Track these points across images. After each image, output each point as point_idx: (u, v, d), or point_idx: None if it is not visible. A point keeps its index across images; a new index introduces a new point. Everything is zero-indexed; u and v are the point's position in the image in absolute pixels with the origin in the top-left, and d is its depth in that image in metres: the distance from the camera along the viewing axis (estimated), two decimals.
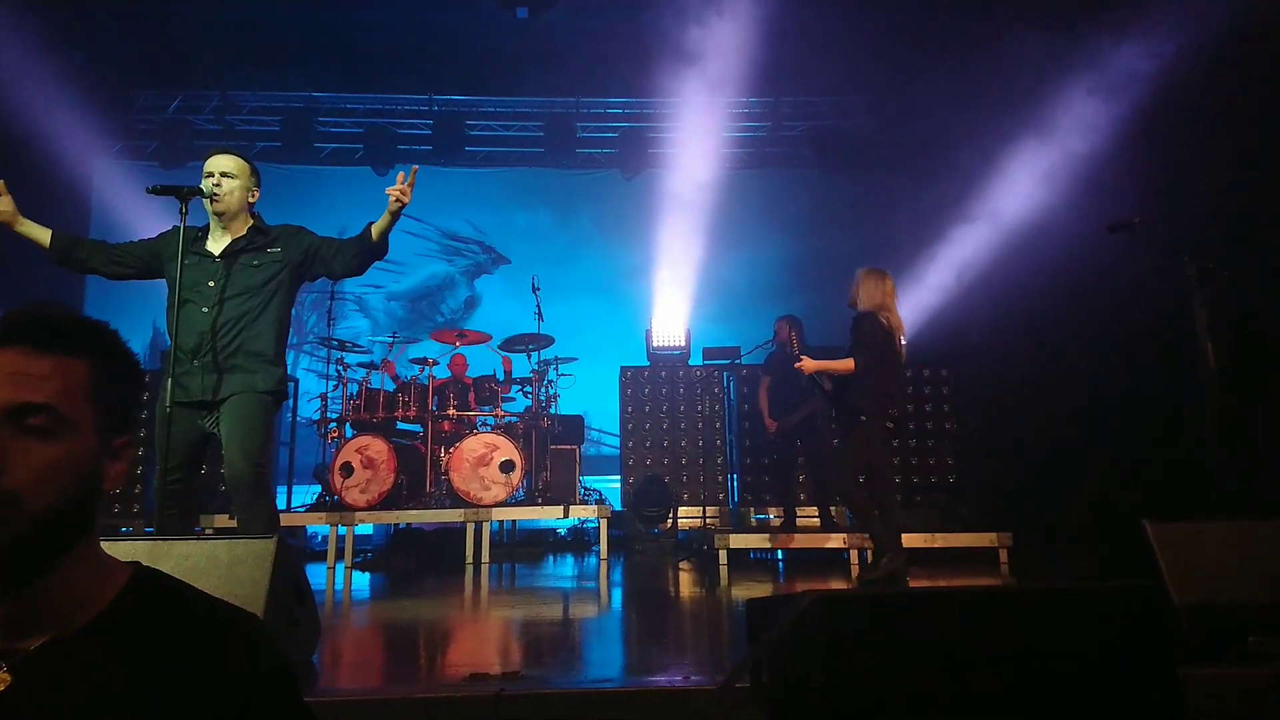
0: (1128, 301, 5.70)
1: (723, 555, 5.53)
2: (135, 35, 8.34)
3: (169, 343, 3.20)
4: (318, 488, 7.13)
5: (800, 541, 5.94)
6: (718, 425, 7.53)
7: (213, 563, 2.29)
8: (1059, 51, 6.46)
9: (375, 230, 3.29)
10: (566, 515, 6.35)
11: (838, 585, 4.93)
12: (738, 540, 5.74)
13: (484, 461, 6.26)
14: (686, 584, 5.10)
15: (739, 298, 9.65)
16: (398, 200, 3.19)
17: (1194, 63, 5.46)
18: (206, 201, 3.22)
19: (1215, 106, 5.45)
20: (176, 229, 3.22)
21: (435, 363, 6.81)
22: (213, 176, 3.23)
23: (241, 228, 3.31)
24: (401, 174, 3.21)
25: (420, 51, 9.09)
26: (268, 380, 3.19)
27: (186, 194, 3.12)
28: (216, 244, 3.29)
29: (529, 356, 7.23)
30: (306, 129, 9.74)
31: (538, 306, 7.04)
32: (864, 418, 4.51)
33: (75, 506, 0.94)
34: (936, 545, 5.63)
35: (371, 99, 9.88)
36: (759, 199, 9.73)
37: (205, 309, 3.18)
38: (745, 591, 4.64)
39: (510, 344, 7.35)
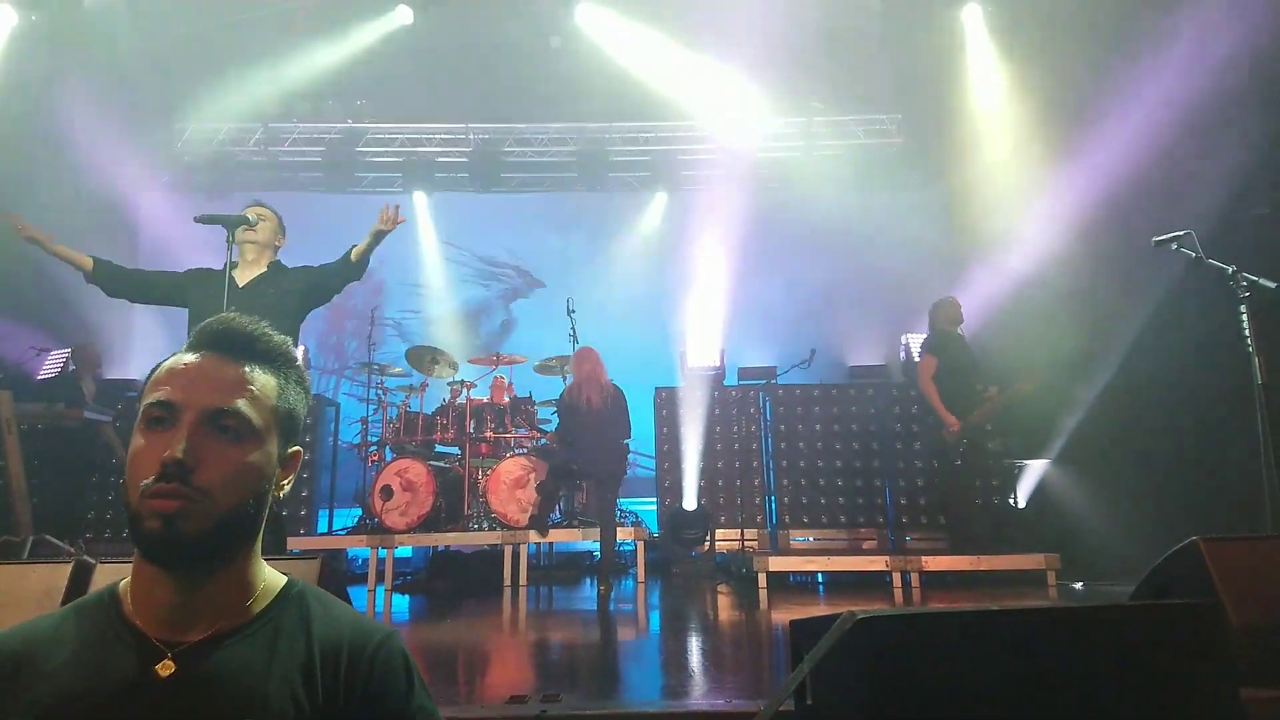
0: (1178, 315, 5.57)
1: (762, 578, 5.46)
2: (180, 71, 8.64)
3: None
4: (358, 511, 7.21)
5: (841, 564, 5.85)
6: (754, 446, 7.46)
7: None
8: (1102, 60, 6.36)
9: (355, 253, 3.68)
10: None
11: (880, 605, 4.84)
12: (777, 563, 5.67)
13: (521, 484, 6.29)
14: (726, 607, 5.04)
15: (774, 318, 9.60)
16: (384, 226, 3.62)
17: (1244, 67, 5.34)
18: (241, 231, 3.54)
19: (1267, 109, 5.33)
20: (205, 270, 3.61)
21: (473, 385, 6.87)
22: (252, 210, 3.62)
23: (264, 265, 3.67)
24: (390, 205, 3.63)
25: (456, 81, 9.27)
26: None
27: (234, 222, 3.26)
28: (241, 277, 3.62)
29: (564, 378, 7.27)
30: (348, 159, 9.96)
31: (572, 329, 7.07)
32: None
33: (253, 508, 1.01)
34: (982, 568, 5.51)
35: (410, 129, 10.08)
36: (793, 219, 9.69)
37: None
38: (785, 614, 4.58)
39: (546, 366, 7.40)
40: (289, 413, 1.07)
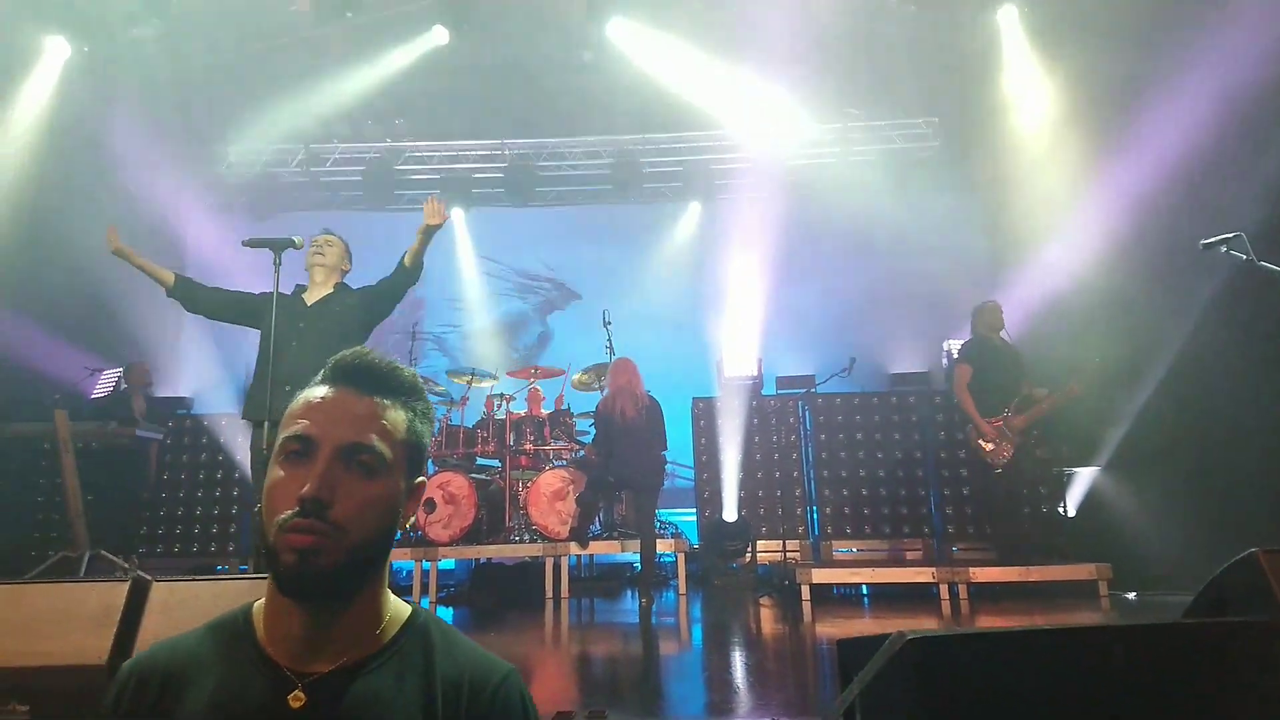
0: (1228, 320, 5.40)
1: (805, 590, 5.40)
2: (223, 96, 8.88)
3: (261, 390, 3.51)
4: None
5: (886, 575, 5.76)
6: (794, 456, 7.38)
7: None
8: (1144, 57, 6.20)
9: (408, 256, 3.77)
10: None
11: (929, 623, 4.75)
12: (821, 574, 5.61)
13: (560, 496, 6.31)
14: (769, 620, 4.99)
15: (812, 326, 9.52)
16: (432, 221, 3.67)
17: None
18: (311, 255, 3.78)
19: None
20: (281, 293, 3.71)
21: (512, 398, 6.93)
22: (320, 238, 3.87)
23: (331, 286, 3.84)
24: (434, 198, 3.71)
25: (491, 98, 9.38)
26: None
27: (280, 245, 3.35)
28: (310, 297, 3.80)
29: (601, 389, 7.28)
30: (387, 177, 10.14)
31: (609, 340, 7.09)
32: None
33: (383, 540, 1.02)
34: (1032, 579, 5.38)
35: (447, 146, 10.23)
36: (829, 226, 9.62)
37: (294, 342, 3.57)
38: (831, 628, 4.52)
39: (582, 382, 7.43)
40: (416, 445, 1.07)
